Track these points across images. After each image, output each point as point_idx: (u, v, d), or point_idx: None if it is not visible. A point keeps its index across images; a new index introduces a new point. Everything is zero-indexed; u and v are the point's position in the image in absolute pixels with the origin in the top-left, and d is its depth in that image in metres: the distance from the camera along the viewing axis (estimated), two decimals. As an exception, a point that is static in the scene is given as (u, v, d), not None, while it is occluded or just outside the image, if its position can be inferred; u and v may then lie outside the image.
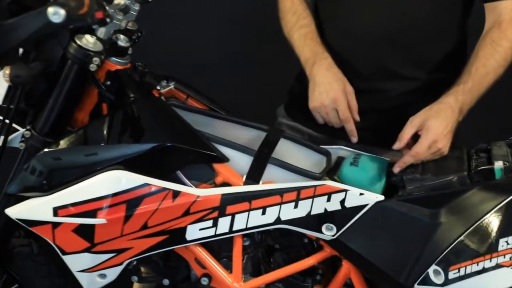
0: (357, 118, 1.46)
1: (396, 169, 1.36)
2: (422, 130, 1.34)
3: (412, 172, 1.33)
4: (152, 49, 2.04)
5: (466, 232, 1.25)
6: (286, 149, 1.47)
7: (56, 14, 1.17)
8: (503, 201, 1.23)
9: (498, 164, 1.28)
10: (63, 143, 1.37)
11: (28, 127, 1.42)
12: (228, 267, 1.44)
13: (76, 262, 1.39)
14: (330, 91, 1.44)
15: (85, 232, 1.34)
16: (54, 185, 1.35)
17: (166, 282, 1.50)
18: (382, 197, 1.31)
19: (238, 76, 2.23)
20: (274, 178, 1.38)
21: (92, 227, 1.34)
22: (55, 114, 1.39)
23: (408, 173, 1.33)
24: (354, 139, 1.47)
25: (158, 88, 1.43)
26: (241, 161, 1.38)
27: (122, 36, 1.41)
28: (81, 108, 1.47)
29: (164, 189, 1.33)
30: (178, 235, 1.37)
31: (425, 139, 1.32)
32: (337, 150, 1.50)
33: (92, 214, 1.32)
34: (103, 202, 1.32)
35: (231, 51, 2.51)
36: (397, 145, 1.35)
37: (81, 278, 1.41)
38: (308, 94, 1.54)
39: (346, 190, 1.31)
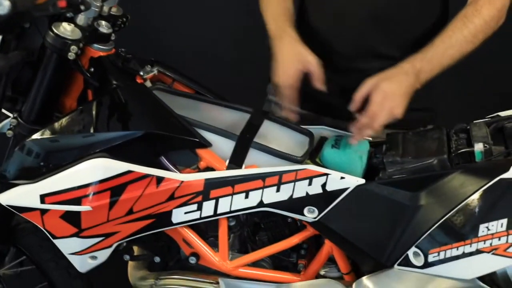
0: (323, 88, 1.29)
1: (354, 131, 1.21)
2: (374, 89, 1.17)
3: (392, 155, 1.17)
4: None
5: (446, 216, 1.09)
6: (269, 131, 1.31)
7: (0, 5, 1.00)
8: (484, 185, 1.07)
9: (478, 147, 1.12)
10: (47, 131, 1.21)
11: (15, 115, 1.26)
12: (215, 245, 1.30)
13: (66, 246, 1.25)
14: (286, 68, 1.27)
15: (72, 218, 1.20)
16: (41, 172, 1.20)
17: (157, 259, 1.36)
18: (362, 181, 1.15)
19: (231, 51, 2.03)
20: (256, 162, 1.22)
21: (78, 213, 1.20)
22: (39, 102, 1.23)
23: (389, 155, 1.17)
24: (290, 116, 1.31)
25: (141, 73, 1.26)
26: (224, 146, 1.23)
27: (103, 23, 1.24)
28: (68, 94, 1.31)
29: (148, 175, 1.18)
30: (164, 218, 1.23)
31: (375, 95, 1.16)
32: (320, 130, 1.34)
33: (77, 201, 1.18)
34: (88, 190, 1.18)
35: (224, 25, 2.31)
36: (352, 106, 1.20)
37: (73, 260, 1.27)
38: None
39: (327, 174, 1.16)
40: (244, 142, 1.21)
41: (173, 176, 1.20)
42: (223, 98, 1.36)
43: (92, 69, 1.25)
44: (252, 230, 1.32)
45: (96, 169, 1.18)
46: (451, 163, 1.13)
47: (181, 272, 1.34)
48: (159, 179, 1.19)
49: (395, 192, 1.14)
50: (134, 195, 1.19)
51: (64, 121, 1.22)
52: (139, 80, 1.28)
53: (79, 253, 1.26)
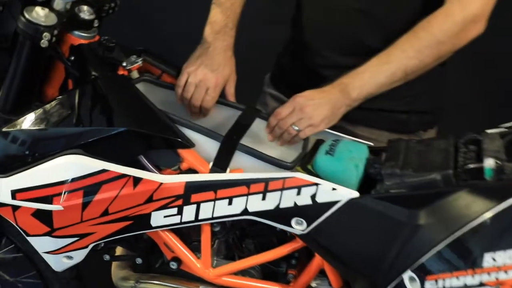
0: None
1: (267, 131, 1.09)
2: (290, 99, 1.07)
3: (391, 166, 0.97)
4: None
5: (447, 240, 0.90)
6: (261, 130, 1.13)
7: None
8: (491, 208, 0.87)
9: (489, 163, 0.92)
10: (20, 123, 1.05)
11: (-9, 104, 1.10)
12: (199, 250, 1.13)
13: (40, 245, 1.10)
14: (217, 71, 1.12)
15: (44, 217, 1.05)
16: (14, 167, 1.04)
17: (139, 261, 1.21)
18: (356, 194, 0.96)
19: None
20: (243, 166, 1.05)
21: (49, 213, 1.04)
22: (14, 91, 1.08)
23: (387, 166, 0.98)
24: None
25: (124, 64, 1.09)
26: (209, 147, 1.05)
27: (85, 8, 1.07)
28: (50, 82, 1.15)
29: (124, 175, 1.02)
30: (143, 221, 1.06)
31: (289, 101, 1.06)
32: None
33: (48, 200, 1.03)
34: (59, 188, 1.02)
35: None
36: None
37: (47, 258, 1.13)
38: (290, 66, 1.26)
39: (317, 184, 0.98)
40: (230, 144, 1.03)
41: (152, 177, 1.03)
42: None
43: (72, 58, 1.08)
44: (238, 236, 1.15)
45: (68, 166, 1.02)
46: (457, 179, 0.94)
47: (162, 277, 1.18)
48: (137, 180, 1.03)
49: (391, 208, 0.95)
50: (109, 195, 1.03)
51: (38, 112, 1.06)
52: (121, 72, 1.10)
53: (53, 252, 1.11)
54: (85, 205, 1.03)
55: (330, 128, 1.14)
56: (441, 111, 1.28)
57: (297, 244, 1.09)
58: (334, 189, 0.97)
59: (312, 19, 1.23)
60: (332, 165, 1.02)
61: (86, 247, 1.11)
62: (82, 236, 1.08)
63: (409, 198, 0.95)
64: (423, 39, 1.07)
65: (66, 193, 1.02)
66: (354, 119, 1.24)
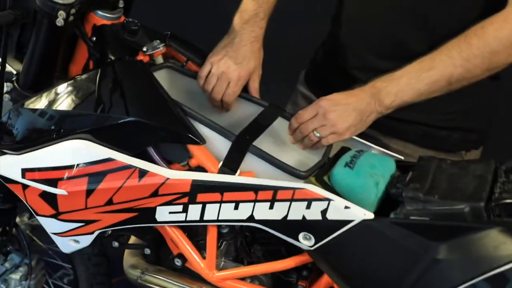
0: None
1: (289, 132, 0.95)
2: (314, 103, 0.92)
3: (415, 189, 0.81)
4: None
5: (469, 283, 0.73)
6: (282, 131, 0.99)
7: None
8: (525, 255, 0.69)
9: (530, 201, 0.73)
10: (35, 100, 0.97)
11: (13, 78, 1.03)
12: (205, 249, 1.02)
13: (48, 225, 1.03)
14: (241, 64, 0.98)
15: (50, 199, 0.97)
16: (26, 145, 0.97)
17: (147, 251, 1.11)
18: (370, 215, 0.81)
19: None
20: (254, 169, 0.92)
21: (54, 196, 0.96)
22: (34, 68, 0.99)
23: (410, 189, 0.82)
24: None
25: (145, 49, 0.98)
26: (221, 144, 0.93)
27: (110, -14, 0.96)
28: (74, 61, 1.07)
29: (130, 166, 0.91)
30: (148, 214, 0.96)
31: (313, 104, 0.91)
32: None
33: (54, 183, 0.95)
34: (64, 173, 0.94)
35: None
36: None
37: (55, 239, 1.05)
38: (324, 64, 1.11)
39: (329, 200, 0.83)
40: (242, 145, 0.91)
41: (158, 171, 0.93)
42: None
43: (94, 38, 0.99)
44: (247, 240, 1.02)
45: (74, 151, 0.93)
46: (489, 214, 0.77)
47: (168, 272, 1.08)
48: (142, 172, 0.92)
49: (410, 236, 0.80)
50: (113, 185, 0.94)
51: (53, 92, 0.97)
52: (141, 57, 0.99)
53: (60, 234, 1.03)
54: (89, 192, 0.94)
55: (359, 136, 0.99)
56: (488, 130, 1.09)
57: (304, 258, 0.95)
58: (347, 207, 0.83)
59: (350, 15, 1.07)
60: (350, 180, 0.87)
61: (92, 233, 1.02)
62: (87, 222, 1.00)
63: (430, 228, 0.79)
64: (474, 46, 0.89)
65: (71, 178, 0.94)
66: (387, 130, 1.07)
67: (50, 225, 1.03)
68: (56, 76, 1.06)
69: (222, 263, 1.05)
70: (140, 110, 0.91)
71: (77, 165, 0.93)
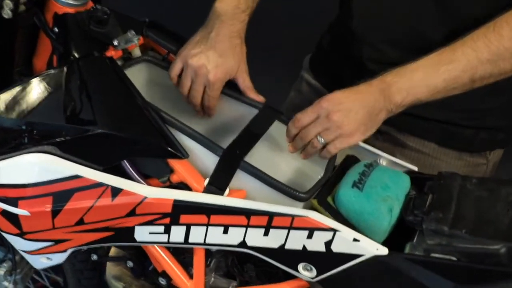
0: (260, 98, 0.82)
1: (286, 140, 0.76)
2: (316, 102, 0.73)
3: (437, 220, 0.63)
4: None
5: None
6: (279, 135, 0.79)
7: None
8: None
9: None
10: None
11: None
12: (192, 264, 0.84)
13: (14, 242, 0.85)
14: (216, 64, 0.77)
15: (12, 218, 0.79)
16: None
17: (130, 264, 0.93)
18: (384, 251, 0.64)
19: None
20: (246, 187, 0.74)
21: (16, 215, 0.77)
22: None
23: (432, 219, 0.63)
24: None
25: (115, 43, 0.77)
26: (208, 158, 0.73)
27: (70, -33, 0.74)
28: (38, 55, 0.85)
29: (100, 184, 0.72)
30: (125, 234, 0.78)
31: (313, 105, 0.73)
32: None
33: (13, 202, 0.76)
34: (25, 191, 0.75)
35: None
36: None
37: (25, 256, 0.87)
38: (331, 50, 0.92)
39: (334, 231, 0.64)
40: (231, 162, 0.71)
41: (134, 189, 0.74)
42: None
43: (56, 29, 0.77)
44: (240, 258, 0.85)
45: (35, 167, 0.74)
46: (530, 256, 0.58)
47: (151, 290, 0.90)
48: (115, 191, 0.74)
49: (431, 277, 0.63)
50: (83, 205, 0.75)
51: (9, 95, 0.76)
52: (111, 52, 0.78)
53: (29, 252, 0.85)
54: (55, 213, 0.76)
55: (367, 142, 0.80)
56: None
57: (304, 283, 0.77)
58: (356, 240, 0.64)
59: (364, 8, 0.85)
60: (359, 204, 0.68)
61: (65, 251, 0.84)
62: (57, 241, 0.82)
63: (457, 269, 0.62)
64: (506, 37, 0.69)
65: (33, 197, 0.74)
66: (403, 126, 0.88)
67: (17, 243, 0.85)
68: (17, 72, 0.85)
69: (212, 279, 0.87)
70: (109, 120, 0.71)
71: (38, 183, 0.74)
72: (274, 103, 0.85)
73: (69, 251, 0.85)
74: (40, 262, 0.89)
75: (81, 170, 0.73)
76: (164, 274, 0.87)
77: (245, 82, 0.81)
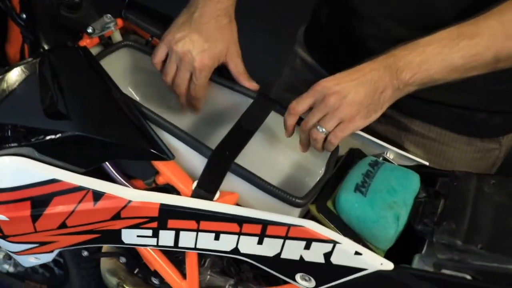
0: (253, 86, 0.73)
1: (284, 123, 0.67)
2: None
3: (449, 233, 0.56)
4: None
5: None
6: (277, 127, 0.71)
7: None
8: None
9: None
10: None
11: None
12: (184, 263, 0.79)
13: (1, 244, 0.79)
14: (202, 48, 0.67)
15: (-9, 222, 0.72)
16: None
17: (123, 260, 0.88)
18: (389, 266, 0.57)
19: None
20: (238, 190, 0.66)
21: None
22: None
23: (444, 231, 0.56)
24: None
25: (89, 30, 0.68)
26: (196, 158, 0.66)
27: None
28: (10, 41, 0.77)
29: (81, 188, 0.66)
30: (112, 236, 0.72)
31: (309, 91, 0.64)
32: (355, 136, 0.73)
33: (-10, 207, 0.69)
34: (0, 196, 0.67)
35: None
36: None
37: (14, 256, 0.82)
38: (327, 23, 0.82)
39: (334, 243, 0.57)
40: (220, 164, 0.63)
41: (117, 192, 0.67)
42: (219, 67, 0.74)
43: (24, 15, 0.68)
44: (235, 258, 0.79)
45: (9, 171, 0.67)
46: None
47: (145, 288, 0.85)
48: (97, 195, 0.67)
49: (441, 295, 0.55)
50: (64, 210, 0.69)
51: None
52: (86, 41, 0.69)
53: (15, 253, 0.80)
54: (35, 217, 0.70)
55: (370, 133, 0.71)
56: None
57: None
58: (358, 253, 0.57)
59: None
60: (362, 211, 0.61)
61: (51, 251, 0.79)
62: (41, 243, 0.76)
63: (470, 288, 0.54)
64: None
65: (9, 202, 0.68)
66: (408, 110, 0.79)
67: (3, 244, 0.79)
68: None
69: (208, 277, 0.82)
70: (85, 122, 0.64)
71: (15, 187, 0.67)
72: (268, 80, 0.76)
73: (56, 251, 0.79)
74: (29, 261, 0.84)
75: (58, 173, 0.66)
76: (157, 274, 0.82)
77: (237, 67, 0.71)
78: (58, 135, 0.64)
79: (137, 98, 0.81)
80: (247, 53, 0.75)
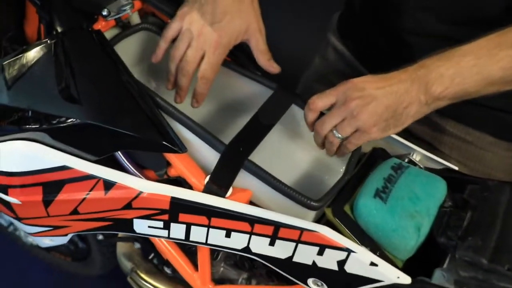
0: (273, 67, 0.66)
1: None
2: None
3: (475, 250, 0.51)
4: None
5: None
6: (296, 120, 0.68)
7: None
8: None
9: None
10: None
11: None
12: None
13: (16, 224, 0.79)
14: (219, 24, 0.61)
15: (6, 204, 0.72)
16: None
17: (137, 245, 0.87)
18: (407, 279, 0.53)
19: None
20: (251, 187, 0.63)
21: (9, 203, 0.70)
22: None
23: (468, 247, 0.51)
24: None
25: (105, 13, 0.65)
26: (209, 152, 0.63)
27: None
28: (28, 20, 0.75)
29: (91, 176, 0.64)
30: (124, 225, 0.71)
31: (332, 88, 0.60)
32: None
33: (3, 190, 0.70)
34: (13, 180, 0.68)
35: None
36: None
37: (31, 236, 0.82)
38: (362, 12, 0.76)
39: (349, 251, 0.54)
40: (233, 161, 0.60)
41: (128, 182, 0.65)
42: (243, 50, 0.70)
43: (41, -5, 0.66)
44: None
45: (22, 156, 0.66)
46: None
47: (158, 277, 0.85)
48: (108, 184, 0.65)
49: (461, 315, 0.51)
50: (75, 197, 0.68)
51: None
52: (101, 24, 0.66)
53: (31, 234, 0.80)
54: (47, 203, 0.69)
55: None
56: None
57: None
58: (374, 264, 0.53)
59: None
60: (381, 219, 0.57)
61: (66, 235, 0.78)
62: (55, 227, 0.75)
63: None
64: None
65: (22, 186, 0.67)
66: (447, 111, 0.73)
67: (18, 225, 0.79)
68: (8, 38, 0.75)
69: (221, 269, 0.80)
70: (96, 111, 0.61)
71: (26, 172, 0.66)
72: (295, 70, 0.71)
73: (70, 235, 0.79)
74: (44, 242, 0.84)
75: (70, 160, 0.65)
76: (169, 263, 0.81)
77: (258, 44, 0.65)
78: (69, 122, 0.62)
79: (153, 83, 0.78)
80: (271, 38, 0.70)
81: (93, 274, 1.19)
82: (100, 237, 0.89)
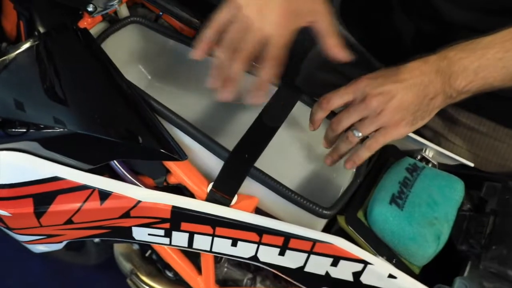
0: (342, 55, 0.54)
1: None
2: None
3: (501, 260, 0.48)
4: None
5: None
6: (304, 119, 0.63)
7: None
8: None
9: None
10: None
11: None
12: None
13: (9, 232, 0.74)
14: (283, 7, 0.49)
15: (-6, 215, 0.67)
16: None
17: (136, 246, 0.83)
18: (427, 292, 0.49)
19: None
20: (258, 194, 0.59)
21: None
22: None
23: (494, 257, 0.48)
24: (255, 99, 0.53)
25: (90, 9, 0.59)
26: (211, 159, 0.58)
27: None
28: (5, 15, 0.68)
29: (86, 186, 0.59)
30: (123, 232, 0.67)
31: (349, 85, 0.55)
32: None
33: (-9, 202, 0.64)
34: (1, 192, 0.62)
35: None
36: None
37: (24, 244, 0.78)
38: None
39: (365, 263, 0.50)
40: (237, 168, 0.56)
41: (125, 191, 0.61)
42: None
43: (18, -11, 0.60)
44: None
45: (9, 167, 0.61)
46: None
47: (159, 280, 0.81)
48: (104, 194, 0.61)
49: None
50: (69, 208, 0.63)
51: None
52: (86, 21, 0.60)
53: (24, 242, 0.76)
54: (39, 214, 0.64)
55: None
56: None
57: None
58: (392, 276, 0.50)
59: None
60: (398, 227, 0.53)
61: (60, 242, 0.74)
62: (49, 236, 0.71)
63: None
64: None
65: (11, 199, 0.63)
66: (460, 101, 0.69)
67: (12, 234, 0.75)
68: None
69: (225, 270, 0.77)
70: (86, 119, 0.56)
71: (16, 184, 0.61)
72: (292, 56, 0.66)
73: (64, 243, 0.75)
74: (38, 249, 0.80)
75: (61, 171, 0.60)
76: (171, 267, 0.77)
77: (324, 25, 0.53)
78: (59, 131, 0.57)
79: (148, 77, 0.73)
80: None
81: (89, 263, 1.16)
82: (97, 240, 0.85)
